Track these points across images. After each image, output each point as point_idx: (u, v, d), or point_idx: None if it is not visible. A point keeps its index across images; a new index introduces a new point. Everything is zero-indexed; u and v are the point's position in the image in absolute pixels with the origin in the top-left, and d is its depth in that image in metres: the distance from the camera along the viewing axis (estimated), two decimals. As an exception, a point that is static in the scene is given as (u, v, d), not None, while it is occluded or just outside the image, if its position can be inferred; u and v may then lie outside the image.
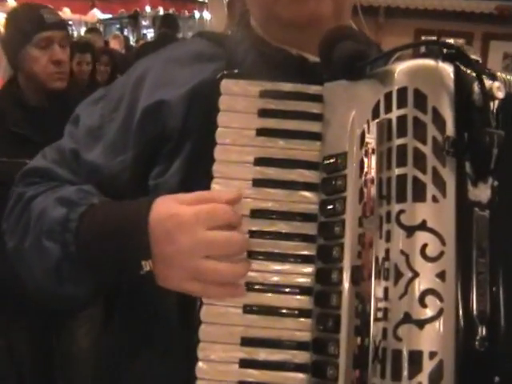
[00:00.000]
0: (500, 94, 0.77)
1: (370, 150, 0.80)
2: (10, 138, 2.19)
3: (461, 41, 3.14)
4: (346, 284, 0.82)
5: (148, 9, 11.29)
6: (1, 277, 1.86)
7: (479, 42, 3.30)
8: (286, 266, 0.88)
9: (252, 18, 1.04)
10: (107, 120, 1.02)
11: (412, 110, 0.78)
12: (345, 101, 0.87)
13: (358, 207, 0.82)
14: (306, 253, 0.88)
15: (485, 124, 0.76)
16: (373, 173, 0.79)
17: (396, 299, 0.75)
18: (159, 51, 1.08)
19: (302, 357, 0.86)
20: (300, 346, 0.86)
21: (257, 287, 0.87)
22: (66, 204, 0.94)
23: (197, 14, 12.92)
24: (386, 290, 0.76)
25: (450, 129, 0.77)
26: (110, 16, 11.75)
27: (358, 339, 0.77)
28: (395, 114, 0.79)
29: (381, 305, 0.76)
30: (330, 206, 0.85)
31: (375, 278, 0.77)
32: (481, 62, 0.79)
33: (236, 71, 0.92)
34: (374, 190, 0.78)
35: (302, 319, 0.87)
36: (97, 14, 9.96)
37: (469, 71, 0.78)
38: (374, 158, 0.79)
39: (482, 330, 0.74)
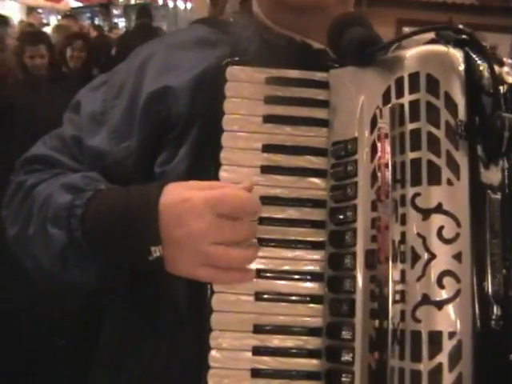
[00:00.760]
0: (509, 79, 0.80)
1: (383, 135, 0.81)
2: None
3: None
4: (360, 268, 0.83)
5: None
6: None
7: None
8: (297, 253, 0.89)
9: (255, 5, 1.05)
10: (110, 106, 1.01)
11: (425, 95, 0.80)
12: (353, 87, 0.88)
13: (369, 192, 0.83)
14: (315, 239, 0.89)
15: (496, 108, 0.79)
16: (387, 157, 0.80)
17: (413, 281, 0.77)
18: (160, 38, 1.08)
19: (314, 342, 0.87)
20: (312, 331, 0.87)
21: (268, 274, 0.88)
22: (71, 190, 0.93)
23: (170, 3, 12.92)
24: (402, 272, 0.78)
25: (461, 113, 0.79)
26: (80, 4, 11.66)
27: (376, 322, 0.79)
28: (407, 98, 0.81)
29: (398, 287, 0.78)
30: (341, 192, 0.87)
31: (392, 261, 0.79)
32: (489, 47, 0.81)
33: (241, 58, 0.93)
34: (388, 174, 0.80)
35: (313, 305, 0.88)
36: (70, 2, 9.84)
37: (478, 57, 0.81)
38: (387, 143, 0.81)
39: (498, 310, 0.77)
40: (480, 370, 0.75)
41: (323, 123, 0.91)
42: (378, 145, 0.82)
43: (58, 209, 0.93)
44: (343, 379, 0.83)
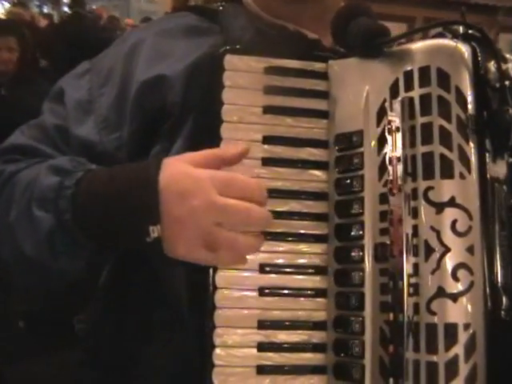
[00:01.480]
0: (515, 74, 0.83)
1: (394, 128, 0.82)
2: None
3: (403, 25, 3.30)
4: (369, 261, 0.84)
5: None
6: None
7: (420, 26, 3.48)
8: (300, 246, 0.89)
9: None
10: (97, 94, 0.97)
11: (436, 89, 0.81)
12: (356, 78, 0.89)
13: (377, 185, 0.85)
14: (318, 232, 0.90)
15: (503, 103, 0.81)
16: (399, 151, 0.82)
17: (427, 274, 0.79)
18: (147, 24, 1.04)
19: (319, 336, 0.88)
20: (316, 325, 0.88)
21: (271, 269, 0.88)
22: (58, 172, 0.88)
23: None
24: (415, 265, 0.80)
25: (471, 107, 0.81)
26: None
27: (390, 315, 0.80)
28: (418, 92, 0.82)
29: (411, 280, 0.80)
30: (347, 184, 0.87)
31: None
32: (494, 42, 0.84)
33: (238, 47, 0.91)
34: (400, 168, 0.81)
35: (317, 299, 0.89)
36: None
37: (484, 52, 0.83)
38: (399, 136, 0.82)
39: (506, 300, 0.80)
40: (492, 359, 0.78)
41: (323, 114, 0.91)
42: (389, 138, 0.83)
43: (44, 190, 0.87)
44: (353, 372, 0.84)
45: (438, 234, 0.79)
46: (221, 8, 1.04)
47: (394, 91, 0.84)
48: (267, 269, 0.88)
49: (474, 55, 0.83)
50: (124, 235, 0.84)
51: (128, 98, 0.95)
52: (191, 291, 0.89)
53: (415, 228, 0.81)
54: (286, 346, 0.87)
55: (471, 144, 0.81)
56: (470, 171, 0.80)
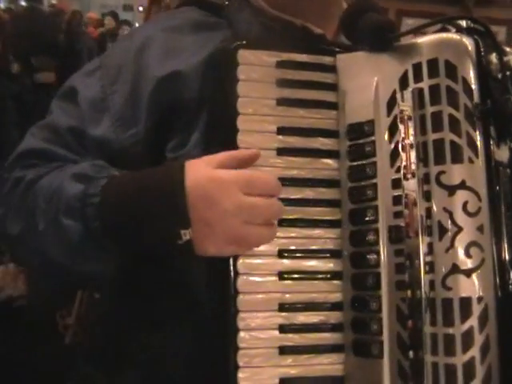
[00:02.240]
0: (515, 65, 0.91)
1: (406, 117, 0.89)
2: None
3: None
4: (384, 243, 0.91)
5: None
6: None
7: (392, 19, 3.60)
8: (315, 231, 0.95)
9: None
10: (110, 92, 1.01)
11: (444, 80, 0.89)
12: (365, 71, 0.96)
13: (389, 171, 0.92)
14: (332, 218, 0.96)
15: (505, 92, 0.89)
16: (411, 138, 0.89)
17: (442, 253, 0.86)
18: (153, 21, 1.08)
19: (336, 317, 0.94)
20: (334, 306, 0.94)
21: (289, 254, 0.94)
22: (82, 179, 0.92)
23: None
24: (430, 245, 0.87)
25: (476, 96, 0.89)
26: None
27: (408, 292, 0.87)
28: (427, 83, 0.90)
29: (427, 259, 0.87)
30: (360, 171, 0.94)
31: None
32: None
33: (251, 41, 0.96)
34: (413, 154, 0.88)
35: (333, 281, 0.95)
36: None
37: (487, 44, 0.91)
38: (411, 124, 0.89)
39: (513, 275, 0.88)
40: (503, 329, 0.86)
41: (333, 106, 0.98)
42: (401, 127, 0.90)
43: (70, 200, 0.91)
44: (372, 348, 0.90)
45: (451, 214, 0.86)
46: (226, 2, 1.09)
47: (403, 82, 0.91)
48: (285, 254, 0.94)
49: (477, 48, 0.91)
50: (155, 240, 0.89)
51: (142, 94, 0.99)
52: (209, 277, 0.94)
53: (428, 210, 0.88)
54: (305, 326, 0.93)
55: (477, 131, 0.89)
56: (477, 156, 0.88)
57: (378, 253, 0.91)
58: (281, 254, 0.93)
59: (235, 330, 0.90)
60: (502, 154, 0.90)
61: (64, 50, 5.69)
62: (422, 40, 0.92)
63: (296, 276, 0.94)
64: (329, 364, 0.93)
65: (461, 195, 0.87)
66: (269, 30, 1.03)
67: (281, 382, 0.91)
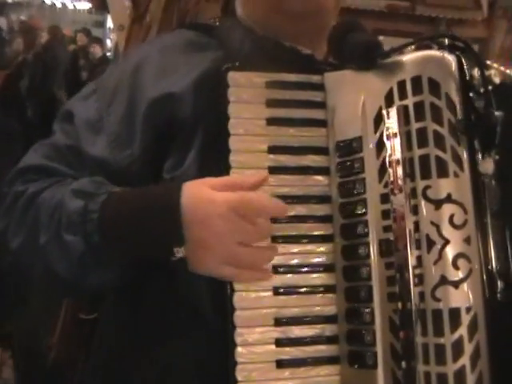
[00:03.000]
0: (497, 80, 0.95)
1: (392, 134, 0.94)
2: None
3: None
4: (375, 257, 0.95)
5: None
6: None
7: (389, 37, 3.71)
8: (308, 247, 1.00)
9: (240, 10, 1.13)
10: (106, 113, 1.06)
11: (428, 96, 0.93)
12: (351, 89, 1.00)
13: (378, 186, 0.96)
14: (324, 232, 1.00)
15: (487, 106, 0.93)
16: (397, 154, 0.93)
17: (431, 265, 0.91)
18: (149, 42, 1.13)
19: (331, 329, 0.99)
20: (328, 319, 0.99)
21: (283, 269, 0.98)
22: (82, 195, 0.97)
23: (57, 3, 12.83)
24: (418, 257, 0.92)
25: (459, 111, 0.93)
26: None
27: (398, 304, 0.91)
28: (412, 100, 0.94)
29: (416, 271, 0.91)
30: (349, 187, 0.98)
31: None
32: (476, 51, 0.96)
33: (240, 63, 1.01)
34: (400, 170, 0.92)
35: (327, 294, 0.99)
36: None
37: (468, 60, 0.95)
38: (397, 141, 0.93)
39: (501, 284, 0.92)
40: (492, 337, 0.90)
41: (322, 123, 1.02)
42: (387, 143, 0.94)
43: (71, 215, 0.96)
44: (366, 359, 0.94)
45: (438, 227, 0.91)
46: (217, 23, 1.14)
47: (388, 100, 0.96)
48: (279, 269, 0.98)
49: (459, 64, 0.95)
50: (150, 255, 0.96)
51: (137, 115, 1.03)
52: (213, 293, 0.98)
53: (416, 224, 0.92)
54: (301, 340, 0.97)
55: (462, 145, 0.93)
56: (462, 169, 0.92)
57: (369, 266, 0.96)
58: (275, 269, 0.98)
59: (233, 346, 0.95)
60: (486, 165, 0.94)
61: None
62: (406, 58, 0.96)
63: (290, 291, 0.98)
64: (325, 376, 0.97)
65: (447, 208, 0.91)
66: (260, 49, 1.07)
67: (279, 395, 0.95)
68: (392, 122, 0.94)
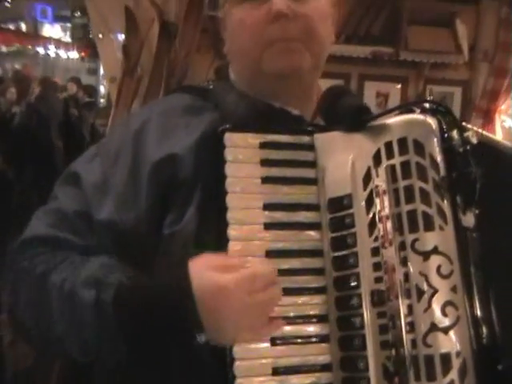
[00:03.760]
0: (474, 140, 1.05)
1: (382, 191, 1.02)
2: None
3: (339, 81, 3.69)
4: (367, 307, 1.02)
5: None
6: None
7: (355, 82, 3.86)
8: (302, 299, 1.06)
9: (232, 73, 1.21)
10: (110, 175, 1.12)
11: (413, 156, 1.02)
12: (341, 149, 1.09)
13: (368, 240, 1.03)
14: (317, 285, 1.07)
15: (467, 165, 1.02)
16: (386, 210, 1.01)
17: (421, 313, 0.98)
18: (148, 106, 1.21)
19: (326, 377, 1.04)
20: (323, 368, 1.04)
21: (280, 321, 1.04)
22: (93, 284, 1.02)
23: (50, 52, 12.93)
24: (409, 306, 0.99)
25: (442, 169, 1.02)
26: None
27: (392, 351, 0.98)
28: (398, 159, 1.03)
29: (407, 319, 0.98)
30: (341, 242, 1.06)
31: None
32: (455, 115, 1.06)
33: (235, 125, 1.09)
34: (389, 225, 1.00)
35: (322, 344, 1.05)
36: None
37: (448, 122, 1.04)
38: (386, 198, 1.01)
39: (486, 329, 0.99)
40: (481, 380, 0.97)
41: (313, 181, 1.10)
42: (377, 200, 1.03)
43: (84, 307, 1.01)
44: (362, 406, 1.00)
45: (427, 277, 0.98)
46: (211, 87, 1.22)
47: (377, 159, 1.04)
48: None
49: (440, 126, 1.04)
50: (169, 341, 1.02)
51: (142, 176, 1.10)
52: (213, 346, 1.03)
53: (406, 274, 0.99)
54: (299, 388, 1.03)
55: (445, 200, 1.01)
56: (447, 223, 1.01)
57: (362, 316, 1.02)
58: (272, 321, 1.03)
59: (232, 395, 1.00)
60: (468, 219, 1.02)
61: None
62: (392, 121, 1.05)
63: (287, 341, 1.04)
64: (322, 422, 1.03)
65: (434, 260, 0.99)
66: (253, 111, 1.15)
67: None
68: (381, 180, 1.03)
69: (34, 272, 1.07)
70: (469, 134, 1.05)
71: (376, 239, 1.03)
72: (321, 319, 1.06)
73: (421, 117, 1.05)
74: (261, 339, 1.01)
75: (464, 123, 1.08)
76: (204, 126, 1.11)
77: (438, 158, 1.03)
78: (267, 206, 1.07)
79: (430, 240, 1.00)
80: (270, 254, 1.05)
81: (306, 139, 1.11)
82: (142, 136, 1.13)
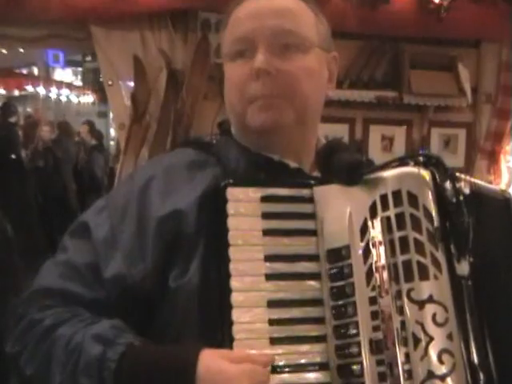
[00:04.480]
0: (467, 190, 1.09)
1: (378, 243, 1.06)
2: None
3: (345, 125, 3.80)
4: (366, 354, 1.05)
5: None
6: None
7: (361, 126, 3.95)
8: (304, 347, 1.09)
9: (232, 130, 1.27)
10: (118, 231, 1.16)
11: (408, 208, 1.06)
12: (339, 201, 1.13)
13: (366, 289, 1.07)
14: (318, 333, 1.10)
15: (460, 214, 1.06)
16: (383, 260, 1.05)
17: (418, 361, 1.01)
18: (152, 161, 1.25)
19: (327, 425, 1.07)
20: (324, 415, 1.07)
21: (281, 369, 1.07)
22: (102, 341, 1.05)
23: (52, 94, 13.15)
24: (406, 354, 1.02)
25: (436, 220, 1.06)
26: None
27: (392, 398, 1.01)
28: (393, 211, 1.07)
29: (405, 367, 1.01)
30: (340, 291, 1.09)
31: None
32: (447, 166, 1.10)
33: (236, 179, 1.13)
34: (385, 275, 1.04)
35: (323, 392, 1.08)
36: None
37: (441, 174, 1.08)
38: (382, 249, 1.05)
39: (482, 375, 1.02)
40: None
41: (312, 233, 1.14)
42: (373, 250, 1.06)
43: (89, 360, 1.04)
44: None
45: (423, 326, 1.02)
46: (214, 141, 1.27)
47: (373, 211, 1.08)
48: (278, 369, 1.07)
49: (433, 178, 1.08)
50: None
51: (148, 232, 1.14)
52: None
53: (403, 323, 1.03)
54: None
55: (440, 250, 1.05)
56: (441, 272, 1.04)
57: (361, 363, 1.05)
58: (274, 369, 1.06)
59: None
60: (462, 268, 1.06)
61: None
62: (387, 174, 1.10)
63: (289, 389, 1.07)
64: None
65: (429, 308, 1.02)
66: (253, 165, 1.20)
67: None
68: (377, 232, 1.07)
69: (42, 323, 1.11)
70: (461, 184, 1.09)
71: (373, 288, 1.06)
72: (322, 367, 1.09)
73: (414, 169, 1.09)
74: None
75: (457, 174, 1.12)
76: (207, 181, 1.16)
77: (432, 209, 1.06)
78: (268, 258, 1.11)
79: (425, 289, 1.03)
80: (272, 304, 1.09)
81: (305, 192, 1.16)
82: (148, 192, 1.17)
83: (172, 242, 1.13)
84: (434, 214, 1.06)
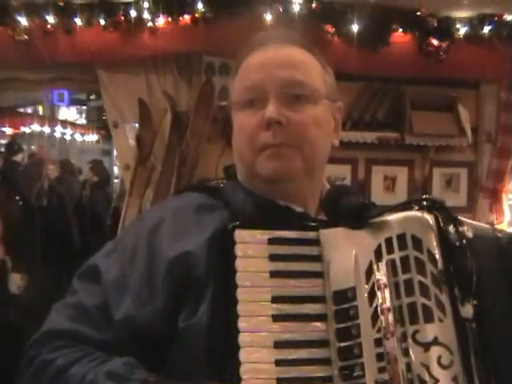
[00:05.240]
0: (469, 234, 1.11)
1: (383, 285, 1.07)
2: None
3: (347, 166, 3.85)
4: (372, 396, 1.06)
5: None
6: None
7: (363, 167, 4.00)
8: (310, 388, 1.10)
9: (238, 173, 1.29)
10: (128, 272, 1.18)
11: (412, 251, 1.08)
12: (345, 244, 1.15)
13: (371, 331, 1.08)
14: (324, 374, 1.11)
15: (463, 258, 1.08)
16: (388, 302, 1.06)
17: (424, 403, 1.01)
18: (161, 204, 1.28)
19: None
20: None
21: (288, 412, 1.08)
22: (115, 378, 1.07)
23: (57, 134, 13.34)
24: (412, 396, 1.02)
25: (440, 263, 1.08)
26: None
27: None
28: (398, 254, 1.09)
29: (411, 409, 1.02)
30: (346, 333, 1.10)
31: (402, 388, 1.03)
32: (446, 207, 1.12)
33: (244, 222, 1.16)
34: (391, 317, 1.05)
35: (329, 433, 1.08)
36: None
37: (445, 218, 1.11)
38: (387, 291, 1.07)
39: (488, 419, 1.03)
40: None
41: (319, 275, 1.16)
42: (378, 293, 1.08)
43: None
44: None
45: (428, 368, 1.03)
46: (221, 185, 1.29)
47: (378, 254, 1.10)
48: (285, 413, 1.08)
49: (437, 222, 1.10)
50: None
51: (157, 274, 1.16)
52: None
53: (408, 365, 1.04)
54: None
55: (444, 293, 1.06)
56: (445, 315, 1.05)
57: (367, 406, 1.06)
58: (281, 412, 1.07)
59: None
60: (466, 310, 1.07)
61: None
62: (391, 217, 1.12)
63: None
64: None
65: (434, 350, 1.03)
66: (260, 209, 1.22)
67: None
68: (382, 275, 1.08)
69: (55, 363, 1.12)
70: (464, 228, 1.11)
71: (379, 330, 1.07)
72: (328, 409, 1.10)
73: (418, 213, 1.11)
74: None
75: (459, 218, 1.14)
76: (215, 224, 1.18)
77: (436, 253, 1.08)
78: (275, 299, 1.13)
79: (429, 331, 1.04)
80: (278, 344, 1.10)
81: (311, 235, 1.18)
82: (157, 235, 1.19)
83: (182, 284, 1.14)
84: (437, 257, 1.08)
